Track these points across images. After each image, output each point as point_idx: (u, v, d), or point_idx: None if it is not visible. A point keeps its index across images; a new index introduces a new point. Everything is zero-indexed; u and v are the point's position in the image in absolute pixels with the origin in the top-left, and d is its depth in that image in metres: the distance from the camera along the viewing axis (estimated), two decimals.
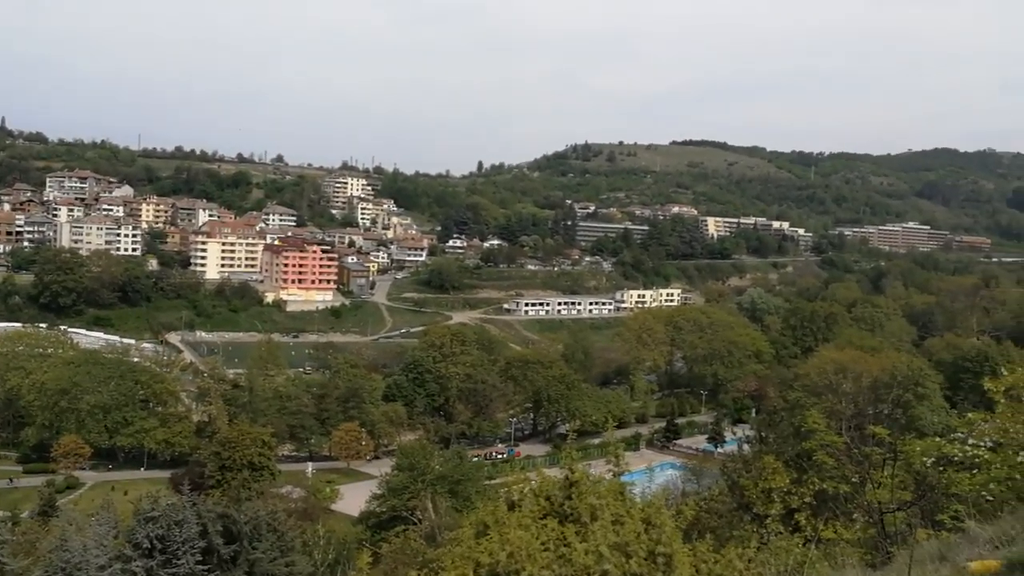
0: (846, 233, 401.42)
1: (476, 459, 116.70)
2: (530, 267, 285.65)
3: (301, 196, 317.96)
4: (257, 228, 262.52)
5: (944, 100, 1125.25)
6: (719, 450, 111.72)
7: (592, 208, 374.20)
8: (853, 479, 18.20)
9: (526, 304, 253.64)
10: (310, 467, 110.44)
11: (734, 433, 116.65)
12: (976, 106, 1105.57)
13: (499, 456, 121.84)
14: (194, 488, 30.38)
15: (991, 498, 13.14)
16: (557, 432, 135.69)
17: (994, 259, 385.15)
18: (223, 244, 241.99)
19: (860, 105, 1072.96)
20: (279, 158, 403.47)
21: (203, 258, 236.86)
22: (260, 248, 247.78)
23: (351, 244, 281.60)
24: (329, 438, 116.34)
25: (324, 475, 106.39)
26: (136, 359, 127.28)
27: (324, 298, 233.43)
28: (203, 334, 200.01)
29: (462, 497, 70.24)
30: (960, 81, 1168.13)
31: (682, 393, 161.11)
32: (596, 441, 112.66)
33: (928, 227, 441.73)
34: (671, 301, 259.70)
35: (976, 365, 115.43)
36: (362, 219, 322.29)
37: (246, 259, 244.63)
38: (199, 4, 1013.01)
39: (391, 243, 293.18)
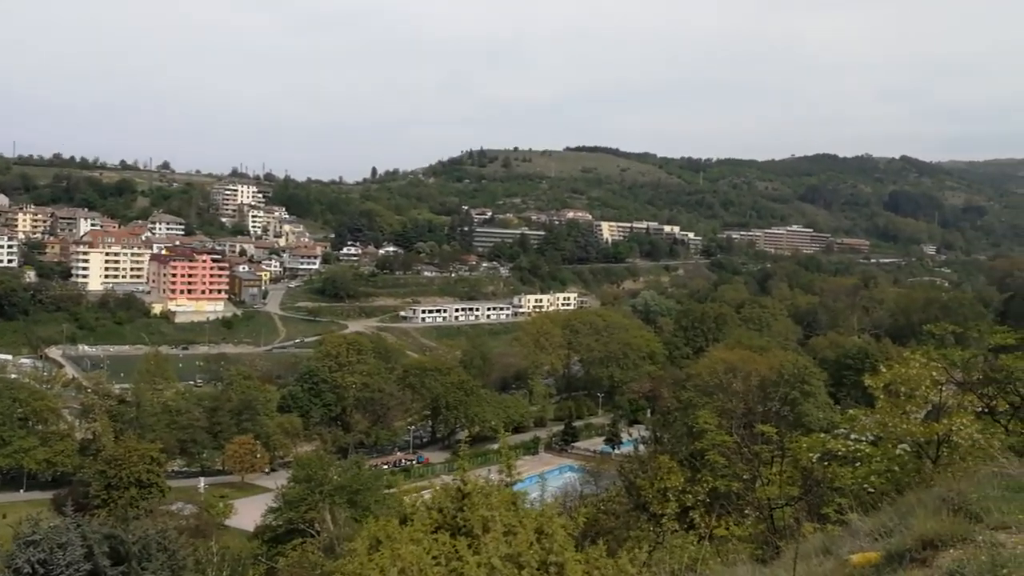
0: (734, 236, 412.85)
1: (384, 467, 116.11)
2: (427, 274, 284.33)
3: (189, 204, 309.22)
4: (143, 237, 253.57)
5: (825, 108, 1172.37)
6: (616, 451, 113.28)
7: (489, 214, 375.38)
8: (744, 476, 18.61)
9: (423, 311, 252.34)
10: (202, 482, 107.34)
11: (630, 434, 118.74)
12: (854, 113, 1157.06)
13: (408, 463, 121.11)
14: (78, 509, 29.15)
15: (872, 490, 13.61)
16: (456, 439, 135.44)
17: (872, 260, 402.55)
18: (106, 254, 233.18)
19: (746, 112, 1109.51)
20: (165, 165, 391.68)
21: (85, 269, 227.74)
22: (146, 258, 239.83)
23: (242, 253, 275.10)
24: (222, 452, 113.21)
25: (217, 490, 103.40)
26: (13, 375, 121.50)
27: (215, 308, 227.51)
28: (86, 348, 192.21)
29: (361, 507, 69.20)
30: (840, 90, 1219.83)
31: (580, 396, 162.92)
32: (495, 446, 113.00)
33: (811, 230, 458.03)
34: (568, 305, 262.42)
35: (857, 362, 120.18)
36: (253, 227, 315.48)
37: (131, 269, 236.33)
38: (77, 8, 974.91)
39: (284, 251, 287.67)
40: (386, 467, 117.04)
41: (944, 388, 16.00)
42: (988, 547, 6.00)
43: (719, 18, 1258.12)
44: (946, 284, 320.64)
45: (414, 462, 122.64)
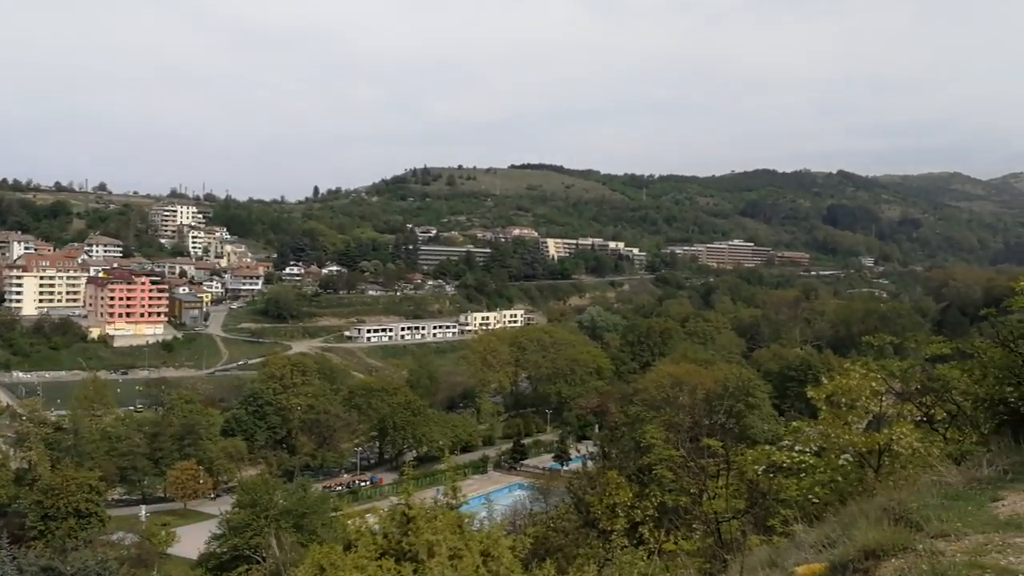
0: (677, 251, 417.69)
1: (338, 488, 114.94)
2: (371, 293, 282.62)
3: (127, 226, 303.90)
4: (79, 260, 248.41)
5: (764, 124, 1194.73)
6: (565, 468, 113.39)
7: (433, 232, 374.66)
8: (691, 491, 18.70)
9: (368, 330, 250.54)
10: (144, 510, 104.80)
11: (578, 450, 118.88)
12: (792, 129, 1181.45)
13: (361, 484, 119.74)
14: (13, 541, 28.28)
15: (817, 501, 13.77)
16: (404, 459, 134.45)
17: (813, 273, 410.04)
18: (41, 278, 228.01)
19: (687, 129, 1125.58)
20: (102, 186, 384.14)
21: (19, 293, 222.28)
22: (83, 281, 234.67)
23: (183, 274, 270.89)
24: (164, 478, 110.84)
25: (159, 518, 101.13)
26: None
27: (155, 331, 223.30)
28: (20, 374, 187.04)
29: (308, 531, 68.40)
30: (778, 105, 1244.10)
31: (528, 413, 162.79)
32: (443, 466, 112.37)
33: (752, 244, 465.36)
34: (515, 322, 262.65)
35: (800, 374, 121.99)
36: (194, 248, 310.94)
37: (67, 293, 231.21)
38: (6, 27, 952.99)
39: (225, 272, 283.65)
40: (339, 488, 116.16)
41: (884, 398, 16.28)
42: (928, 556, 6.08)
43: (659, 37, 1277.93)
44: (884, 295, 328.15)
45: (367, 482, 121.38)
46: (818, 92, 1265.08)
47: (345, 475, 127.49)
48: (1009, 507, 7.30)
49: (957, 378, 15.64)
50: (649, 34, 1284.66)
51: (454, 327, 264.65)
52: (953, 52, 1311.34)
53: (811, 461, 15.68)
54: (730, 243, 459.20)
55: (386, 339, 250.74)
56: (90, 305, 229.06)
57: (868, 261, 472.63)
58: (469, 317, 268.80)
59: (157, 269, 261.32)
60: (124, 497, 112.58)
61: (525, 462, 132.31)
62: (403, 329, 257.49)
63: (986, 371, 14.43)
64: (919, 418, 16.45)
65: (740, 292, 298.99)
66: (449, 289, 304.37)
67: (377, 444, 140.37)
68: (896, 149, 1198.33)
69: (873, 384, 16.27)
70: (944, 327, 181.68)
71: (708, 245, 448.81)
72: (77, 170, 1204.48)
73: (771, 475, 16.10)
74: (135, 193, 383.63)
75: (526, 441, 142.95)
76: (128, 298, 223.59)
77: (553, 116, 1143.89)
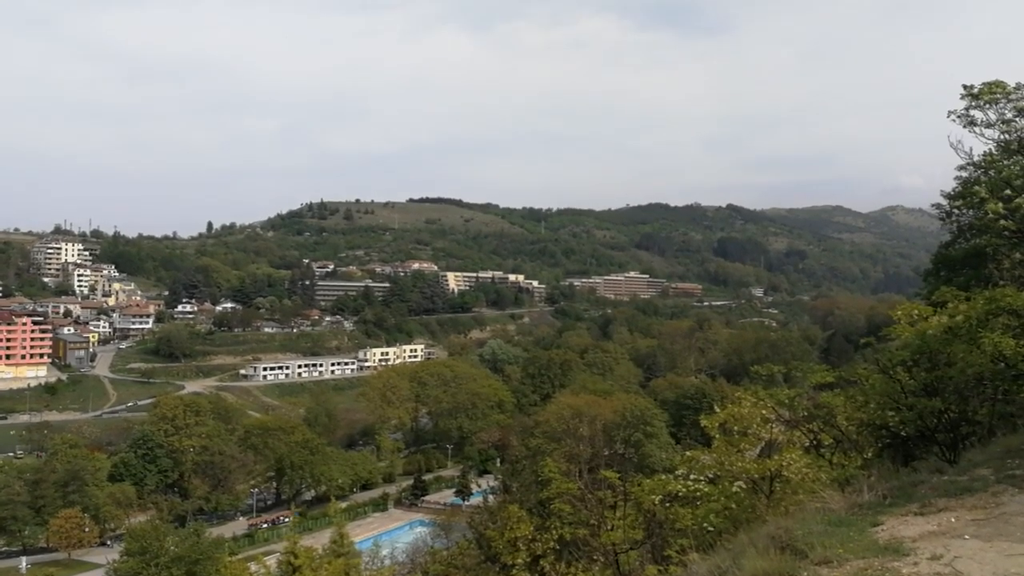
0: (575, 284, 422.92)
1: (264, 527, 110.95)
2: (267, 330, 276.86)
3: (7, 264, 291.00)
4: None
5: (656, 159, 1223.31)
6: (466, 503, 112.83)
7: (331, 267, 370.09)
8: (591, 522, 18.81)
9: (264, 369, 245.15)
10: (24, 562, 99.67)
11: (479, 485, 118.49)
12: (683, 165, 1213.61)
13: (284, 521, 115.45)
14: None
15: (711, 529, 14.00)
16: (302, 499, 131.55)
17: (706, 303, 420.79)
18: None
19: (583, 164, 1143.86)
20: None
21: None
22: None
23: (67, 314, 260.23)
24: (46, 528, 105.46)
25: (41, 569, 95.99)
26: None
27: (37, 374, 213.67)
28: None
29: None
30: (669, 141, 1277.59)
31: (429, 448, 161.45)
32: (343, 505, 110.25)
33: (647, 276, 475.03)
34: (415, 357, 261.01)
35: (696, 402, 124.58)
36: (79, 287, 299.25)
37: None
38: None
39: (113, 311, 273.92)
40: (265, 526, 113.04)
41: (774, 425, 16.74)
42: None
43: (555, 73, 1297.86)
44: (774, 324, 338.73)
45: (288, 519, 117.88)
46: (707, 128, 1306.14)
47: (241, 517, 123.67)
48: (888, 532, 7.55)
49: (841, 405, 16.19)
50: (545, 70, 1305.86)
51: (353, 363, 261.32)
52: (834, 91, 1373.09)
53: (706, 489, 15.95)
54: (626, 275, 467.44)
55: (283, 377, 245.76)
56: None
57: (758, 291, 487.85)
58: (368, 353, 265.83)
59: (40, 309, 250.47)
60: (3, 549, 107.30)
61: (426, 498, 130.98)
62: (300, 366, 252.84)
63: (868, 397, 14.99)
64: (807, 444, 16.97)
65: (637, 323, 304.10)
66: (348, 325, 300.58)
67: (274, 484, 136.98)
68: (782, 183, 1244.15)
69: (763, 412, 16.73)
70: (831, 354, 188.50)
71: (605, 277, 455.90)
72: None
73: (668, 505, 16.31)
74: (16, 230, 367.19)
75: (427, 477, 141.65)
76: (7, 339, 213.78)
77: (451, 150, 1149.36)
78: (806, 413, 18.06)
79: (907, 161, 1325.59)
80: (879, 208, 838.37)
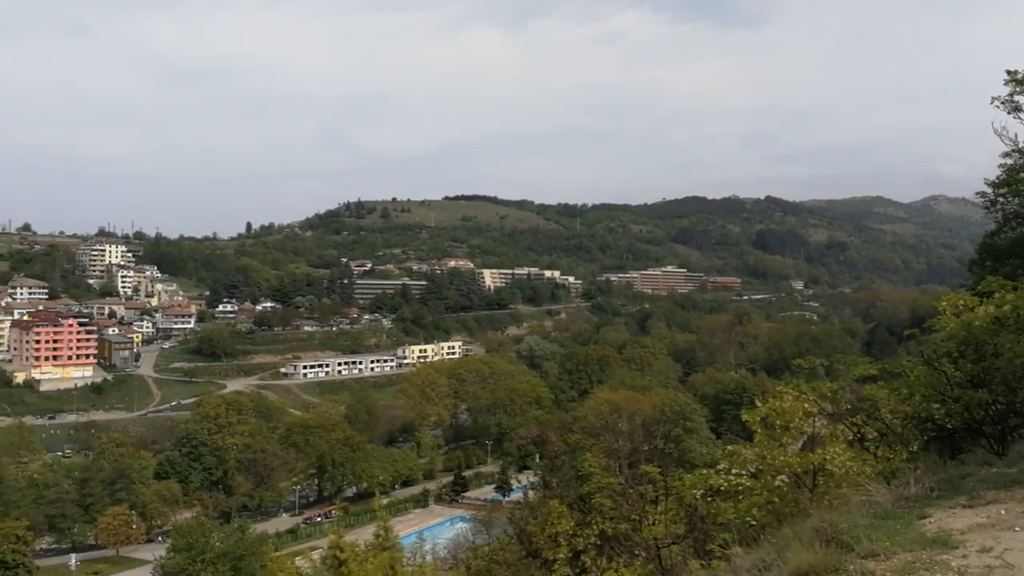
0: (612, 279, 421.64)
1: (318, 521, 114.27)
2: (307, 328, 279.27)
3: (53, 267, 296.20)
4: (2, 303, 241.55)
5: (693, 153, 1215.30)
6: (507, 499, 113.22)
7: (369, 265, 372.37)
8: (632, 517, 18.76)
9: (304, 367, 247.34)
10: (74, 559, 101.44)
11: (519, 481, 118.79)
12: (721, 158, 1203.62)
13: (332, 516, 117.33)
14: None
15: (754, 523, 13.92)
16: (344, 496, 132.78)
17: (745, 297, 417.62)
18: None
19: (618, 159, 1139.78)
20: (26, 227, 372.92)
21: None
22: (7, 325, 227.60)
23: (112, 315, 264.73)
24: (95, 525, 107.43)
25: (91, 566, 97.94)
26: None
27: (83, 374, 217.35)
28: None
29: (246, 574, 67.20)
30: (706, 135, 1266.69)
31: (468, 445, 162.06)
32: (385, 501, 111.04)
33: (685, 270, 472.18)
34: (453, 354, 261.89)
35: (736, 397, 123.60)
36: (123, 288, 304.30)
37: None
38: None
39: (156, 311, 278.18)
40: (319, 520, 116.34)
41: (816, 419, 16.58)
42: None
43: (588, 69, 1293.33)
44: (815, 317, 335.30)
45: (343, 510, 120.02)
46: (744, 121, 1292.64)
47: (283, 514, 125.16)
48: (936, 524, 7.46)
49: (885, 397, 15.99)
50: (577, 66, 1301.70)
51: (392, 361, 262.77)
52: (873, 80, 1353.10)
53: (748, 483, 15.85)
54: (664, 269, 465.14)
55: (323, 375, 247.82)
56: (15, 349, 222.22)
57: (798, 284, 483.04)
58: (407, 350, 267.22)
59: (85, 310, 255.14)
60: (53, 546, 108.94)
61: (466, 494, 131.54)
62: (340, 364, 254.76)
63: (913, 390, 14.79)
64: (851, 438, 16.80)
65: (675, 318, 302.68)
66: (386, 323, 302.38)
67: (316, 481, 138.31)
68: (821, 174, 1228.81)
69: (805, 406, 16.58)
70: (873, 347, 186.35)
71: (642, 272, 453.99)
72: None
73: (709, 499, 16.24)
74: (61, 233, 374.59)
75: (467, 473, 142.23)
76: (55, 341, 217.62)
77: (486, 147, 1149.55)
78: (849, 406, 17.89)
79: (949, 149, 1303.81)
80: (921, 198, 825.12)
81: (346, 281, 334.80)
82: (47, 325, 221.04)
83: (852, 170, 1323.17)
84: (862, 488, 10.73)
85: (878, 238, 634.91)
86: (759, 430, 16.66)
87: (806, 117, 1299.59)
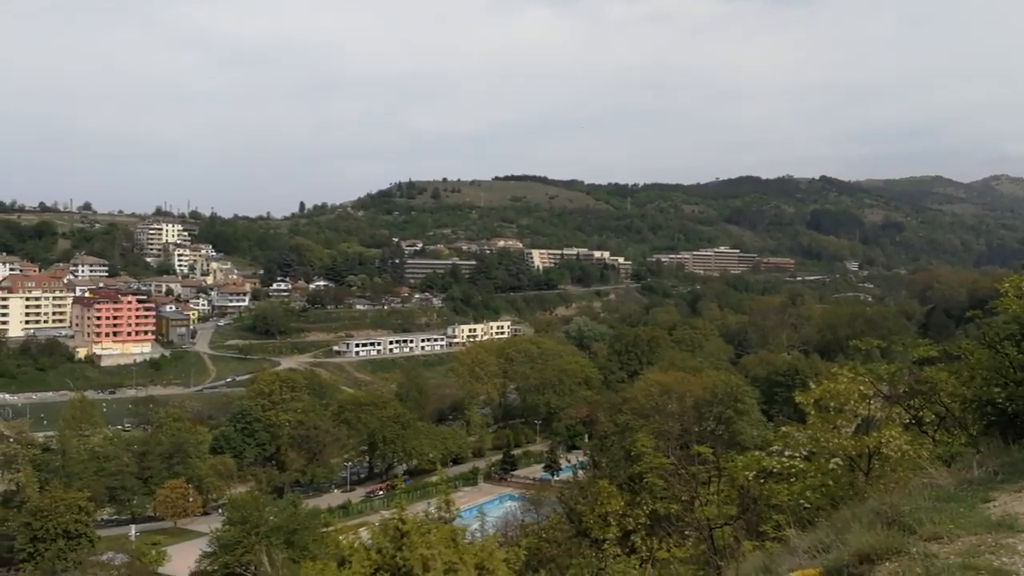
0: (663, 260, 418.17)
1: (379, 494, 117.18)
2: (359, 307, 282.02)
3: (112, 245, 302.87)
4: (65, 280, 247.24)
5: (746, 132, 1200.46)
6: (555, 478, 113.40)
7: (419, 245, 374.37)
8: (683, 498, 18.71)
9: (357, 345, 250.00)
10: (133, 530, 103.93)
11: (568, 460, 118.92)
12: (775, 137, 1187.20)
13: (386, 490, 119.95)
14: (2, 564, 28.06)
15: (808, 505, 13.81)
16: (394, 473, 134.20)
17: (798, 278, 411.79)
18: (27, 299, 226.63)
19: (670, 137, 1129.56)
20: (87, 206, 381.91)
21: (4, 315, 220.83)
22: (69, 301, 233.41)
23: (169, 292, 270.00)
24: (153, 497, 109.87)
25: (149, 537, 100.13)
26: None
27: (142, 350, 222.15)
28: (7, 396, 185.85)
29: (299, 547, 68.21)
30: (759, 114, 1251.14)
31: (517, 424, 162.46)
32: (434, 478, 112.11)
33: (737, 251, 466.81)
34: (502, 333, 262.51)
35: (788, 379, 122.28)
36: (179, 266, 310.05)
37: (53, 314, 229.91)
38: None
39: (211, 289, 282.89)
40: (380, 494, 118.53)
41: (872, 402, 16.35)
42: (922, 559, 6.10)
43: (640, 48, 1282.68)
44: (870, 299, 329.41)
45: (405, 482, 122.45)
46: (799, 100, 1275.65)
47: (335, 489, 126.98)
48: (1000, 508, 7.32)
49: (945, 380, 15.71)
50: (630, 45, 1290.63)
51: (442, 340, 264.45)
52: (934, 57, 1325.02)
53: (801, 466, 15.74)
54: (716, 250, 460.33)
55: (374, 353, 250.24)
56: (77, 325, 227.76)
57: (853, 265, 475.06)
58: (456, 329, 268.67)
59: (143, 288, 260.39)
60: (113, 517, 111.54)
61: (515, 473, 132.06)
62: (391, 343, 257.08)
63: (973, 373, 14.50)
64: (908, 421, 16.54)
65: (727, 299, 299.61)
66: (436, 302, 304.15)
67: (367, 458, 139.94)
68: (878, 154, 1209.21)
69: (861, 388, 16.35)
70: (929, 329, 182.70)
71: (694, 253, 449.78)
72: (61, 190, 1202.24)
73: (762, 481, 16.13)
74: (120, 212, 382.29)
75: (516, 452, 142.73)
76: (115, 317, 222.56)
77: (536, 127, 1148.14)
78: (907, 389, 17.61)
79: (1012, 128, 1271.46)
80: (982, 178, 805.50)
81: (397, 261, 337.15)
82: (107, 302, 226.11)
83: (910, 149, 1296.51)
84: (921, 471, 10.58)
85: (936, 219, 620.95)
86: (812, 412, 16.50)
87: (864, 95, 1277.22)
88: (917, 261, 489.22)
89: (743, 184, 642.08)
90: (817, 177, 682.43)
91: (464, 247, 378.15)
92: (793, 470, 15.68)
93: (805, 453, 16.58)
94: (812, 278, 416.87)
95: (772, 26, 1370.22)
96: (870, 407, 16.21)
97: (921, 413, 16.57)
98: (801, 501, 14.15)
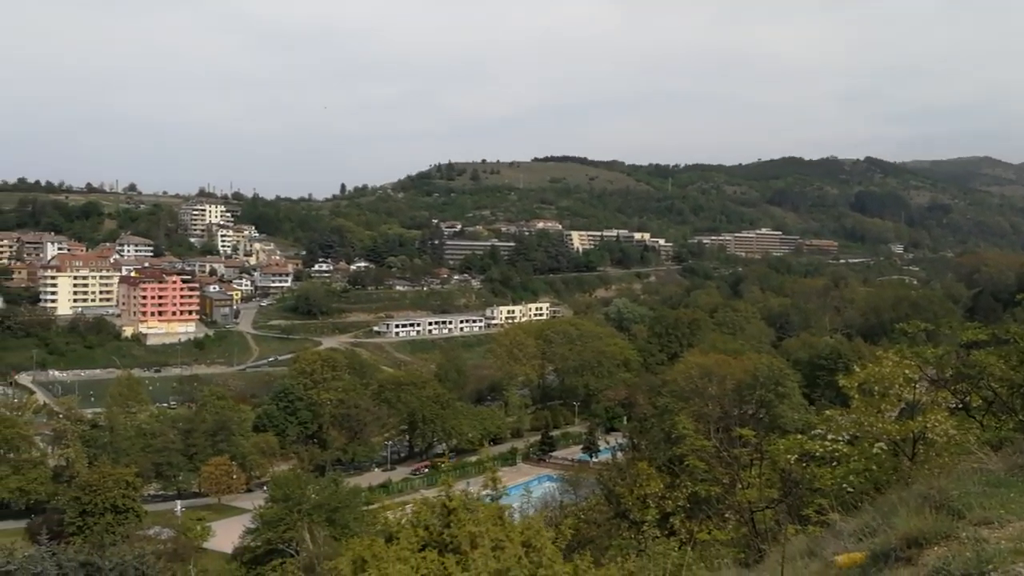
0: (704, 241, 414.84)
1: (424, 472, 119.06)
2: (399, 288, 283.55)
3: (157, 225, 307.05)
4: (111, 260, 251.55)
5: (789, 112, 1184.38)
6: (594, 459, 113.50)
7: (459, 226, 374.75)
8: (724, 481, 18.64)
9: (397, 325, 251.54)
10: (179, 505, 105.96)
11: (607, 442, 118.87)
12: (818, 117, 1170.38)
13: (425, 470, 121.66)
14: (53, 537, 28.75)
15: (851, 490, 13.71)
16: (434, 452, 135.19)
17: (842, 260, 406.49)
18: (75, 278, 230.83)
19: (711, 118, 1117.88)
20: (132, 187, 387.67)
21: (53, 293, 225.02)
22: (115, 281, 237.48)
23: (212, 272, 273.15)
24: (198, 474, 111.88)
25: (194, 512, 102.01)
26: None
27: (186, 329, 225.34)
28: (57, 373, 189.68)
29: (340, 525, 68.98)
30: (803, 95, 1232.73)
31: (555, 405, 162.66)
32: (473, 459, 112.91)
33: (780, 233, 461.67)
34: (540, 315, 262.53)
35: (831, 362, 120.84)
36: (223, 246, 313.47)
37: (101, 293, 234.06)
38: (35, 31, 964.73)
39: (254, 270, 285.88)
40: (424, 472, 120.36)
41: (917, 386, 16.17)
42: (972, 543, 6.05)
43: (680, 29, 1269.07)
44: (915, 282, 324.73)
45: (450, 459, 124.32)
46: (843, 80, 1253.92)
47: (375, 468, 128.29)
48: None
49: (993, 364, 15.49)
50: (669, 26, 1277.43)
51: (480, 321, 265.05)
52: (982, 36, 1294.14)
53: (844, 450, 15.63)
54: (758, 232, 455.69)
55: (414, 334, 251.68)
56: (123, 304, 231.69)
57: (897, 248, 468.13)
58: (495, 311, 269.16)
59: (187, 268, 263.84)
60: (159, 493, 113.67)
61: (554, 454, 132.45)
62: (431, 323, 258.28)
63: (1023, 357, 14.30)
64: (954, 405, 16.34)
65: (769, 281, 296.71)
66: (475, 283, 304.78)
67: (407, 437, 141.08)
68: (924, 134, 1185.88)
69: (906, 372, 16.17)
70: (976, 313, 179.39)
71: (736, 234, 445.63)
72: (107, 171, 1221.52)
73: (804, 464, 16.04)
74: (164, 193, 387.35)
75: (554, 433, 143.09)
76: (160, 297, 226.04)
77: (575, 108, 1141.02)
78: (954, 373, 17.38)
79: None
80: None
81: (436, 242, 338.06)
82: (153, 282, 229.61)
83: (958, 129, 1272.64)
84: (968, 456, 10.46)
85: (984, 200, 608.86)
86: (856, 396, 16.36)
87: (909, 75, 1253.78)
88: (964, 244, 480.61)
89: (786, 165, 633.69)
90: (862, 158, 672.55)
91: (503, 228, 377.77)
92: (836, 454, 15.58)
93: (848, 437, 16.46)
94: (856, 261, 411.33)
95: (813, 7, 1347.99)
96: (915, 391, 16.03)
97: (968, 398, 16.36)
98: (844, 485, 14.06)
